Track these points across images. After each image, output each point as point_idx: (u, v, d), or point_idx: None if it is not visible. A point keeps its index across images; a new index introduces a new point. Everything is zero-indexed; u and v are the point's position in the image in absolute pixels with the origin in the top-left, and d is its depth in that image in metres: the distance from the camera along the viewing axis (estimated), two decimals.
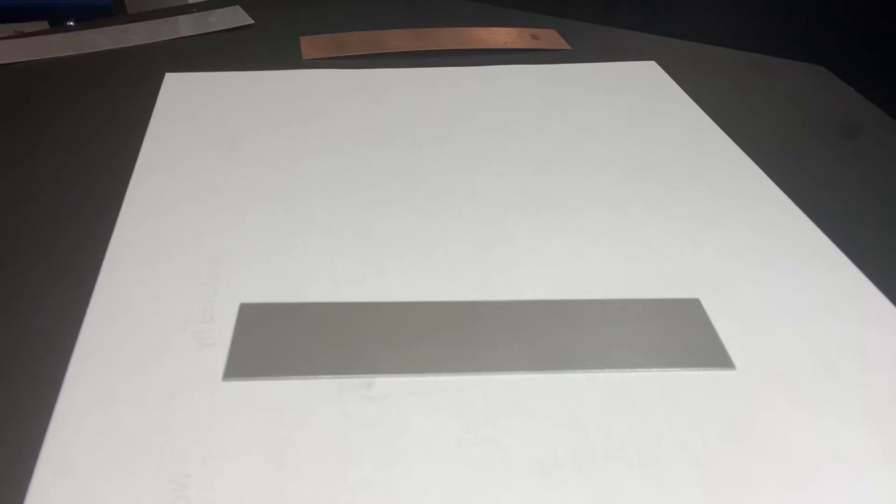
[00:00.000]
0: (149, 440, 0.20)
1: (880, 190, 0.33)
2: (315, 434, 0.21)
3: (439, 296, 0.26)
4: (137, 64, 0.45)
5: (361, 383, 0.22)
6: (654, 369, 0.23)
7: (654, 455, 0.21)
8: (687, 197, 0.32)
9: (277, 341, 0.24)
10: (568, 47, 0.48)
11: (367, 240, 0.29)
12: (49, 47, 0.46)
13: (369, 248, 0.28)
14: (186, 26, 0.51)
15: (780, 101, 0.42)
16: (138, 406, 0.21)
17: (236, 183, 0.32)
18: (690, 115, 0.39)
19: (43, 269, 0.27)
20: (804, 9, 0.51)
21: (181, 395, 0.22)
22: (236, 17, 0.52)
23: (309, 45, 0.47)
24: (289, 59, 0.45)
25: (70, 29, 0.52)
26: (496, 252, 0.28)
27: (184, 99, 0.39)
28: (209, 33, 0.50)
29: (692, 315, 0.26)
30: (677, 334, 0.25)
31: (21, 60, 0.45)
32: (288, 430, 0.21)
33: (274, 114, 0.38)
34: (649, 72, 0.45)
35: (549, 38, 0.50)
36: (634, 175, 0.34)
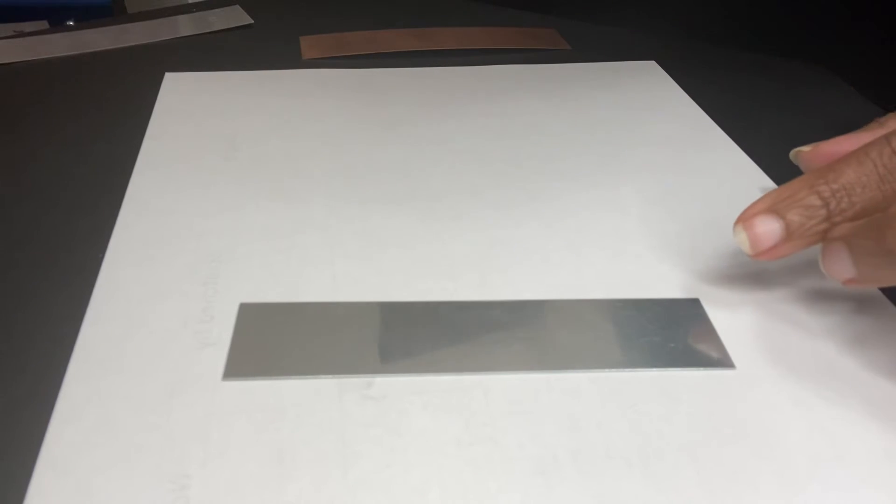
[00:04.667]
0: (149, 440, 0.20)
1: None
2: (315, 434, 0.21)
3: (439, 296, 0.26)
4: (137, 64, 0.45)
5: (361, 383, 0.22)
6: (654, 369, 0.23)
7: (654, 455, 0.21)
8: (687, 197, 0.32)
9: (277, 341, 0.24)
10: (568, 47, 0.48)
11: (367, 239, 0.29)
12: (49, 47, 0.46)
13: (369, 248, 0.28)
14: (186, 26, 0.51)
15: (780, 101, 0.42)
16: (138, 406, 0.21)
17: (236, 183, 0.32)
18: (690, 115, 0.39)
19: (43, 269, 0.27)
20: (804, 9, 0.51)
21: (181, 395, 0.22)
22: (236, 16, 0.52)
23: (309, 45, 0.47)
24: (289, 59, 0.45)
25: (70, 29, 0.52)
26: (496, 252, 0.28)
27: (184, 99, 0.39)
28: (209, 33, 0.50)
29: (692, 315, 0.26)
30: (677, 334, 0.25)
31: (21, 60, 0.45)
32: (288, 430, 0.21)
33: (274, 114, 0.38)
34: (649, 72, 0.45)
35: (549, 37, 0.50)
36: (634, 175, 0.34)
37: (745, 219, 0.25)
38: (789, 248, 0.24)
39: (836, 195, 0.23)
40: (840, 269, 0.23)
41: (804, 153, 0.30)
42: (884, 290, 0.27)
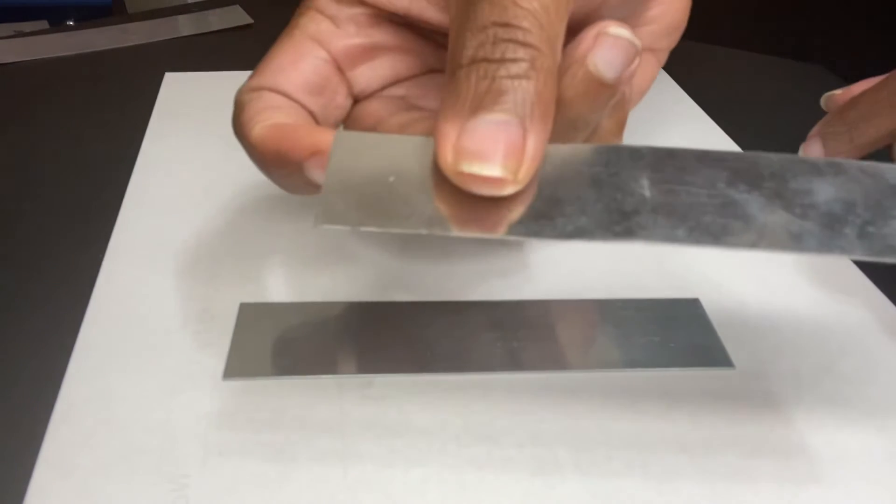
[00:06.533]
0: (149, 440, 0.20)
1: None
2: (315, 434, 0.21)
3: (440, 296, 0.26)
4: (137, 64, 0.45)
5: (361, 383, 0.22)
6: (654, 369, 0.23)
7: (654, 455, 0.21)
8: None
9: (277, 341, 0.24)
10: None
11: (367, 240, 0.29)
12: (49, 47, 0.46)
13: (369, 248, 0.28)
14: (186, 26, 0.51)
15: (780, 101, 0.42)
16: (138, 406, 0.21)
17: (236, 183, 0.32)
18: (690, 115, 0.39)
19: (43, 269, 0.27)
20: (803, 8, 0.51)
21: (181, 395, 0.22)
22: (236, 16, 0.52)
23: None
24: None
25: (70, 29, 0.52)
26: (496, 252, 0.28)
27: (184, 99, 0.39)
28: (209, 33, 0.50)
29: (692, 315, 0.26)
30: (677, 334, 0.25)
31: (21, 60, 0.45)
32: (288, 430, 0.21)
33: None
34: None
35: None
36: None
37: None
38: None
39: (856, 123, 0.28)
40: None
41: (836, 95, 0.34)
42: (884, 290, 0.27)
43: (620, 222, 0.17)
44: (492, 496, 0.19)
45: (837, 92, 0.33)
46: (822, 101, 0.34)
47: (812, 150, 0.32)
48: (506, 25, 0.17)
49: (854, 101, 0.30)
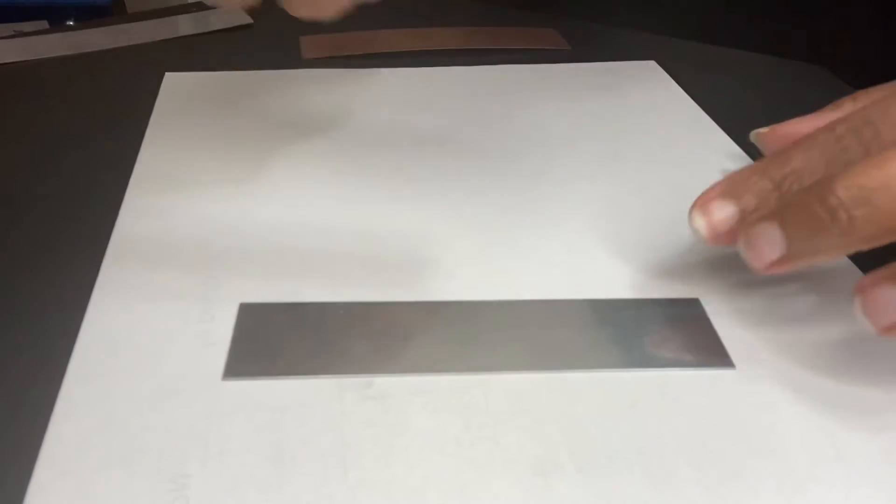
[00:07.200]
0: (149, 440, 0.20)
1: None
2: (315, 434, 0.21)
3: (439, 296, 0.26)
4: (137, 64, 0.45)
5: (361, 383, 0.22)
6: (654, 369, 0.23)
7: (654, 455, 0.21)
8: (687, 197, 0.32)
9: (277, 341, 0.24)
10: (568, 47, 0.48)
11: (367, 239, 0.29)
12: (49, 47, 0.46)
13: (369, 248, 0.28)
14: (186, 26, 0.51)
15: (780, 101, 0.42)
16: (138, 406, 0.21)
17: (236, 183, 0.32)
18: (690, 115, 0.39)
19: (43, 269, 0.27)
20: (804, 8, 0.51)
21: (181, 395, 0.22)
22: (236, 16, 0.52)
23: (309, 45, 0.47)
24: (289, 59, 0.45)
25: (70, 29, 0.52)
26: (496, 252, 0.28)
27: (184, 99, 0.39)
28: (209, 33, 0.50)
29: (692, 315, 0.26)
30: (677, 334, 0.25)
31: (21, 60, 0.45)
32: (288, 430, 0.21)
33: (274, 114, 0.38)
34: (649, 72, 0.45)
35: (549, 37, 0.50)
36: (634, 175, 0.34)
37: (701, 204, 0.25)
38: None
39: (786, 179, 0.23)
40: (769, 248, 0.23)
41: (762, 134, 0.30)
42: None
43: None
44: (492, 496, 0.19)
45: (763, 130, 0.30)
46: (752, 137, 0.30)
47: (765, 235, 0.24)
48: None
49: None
